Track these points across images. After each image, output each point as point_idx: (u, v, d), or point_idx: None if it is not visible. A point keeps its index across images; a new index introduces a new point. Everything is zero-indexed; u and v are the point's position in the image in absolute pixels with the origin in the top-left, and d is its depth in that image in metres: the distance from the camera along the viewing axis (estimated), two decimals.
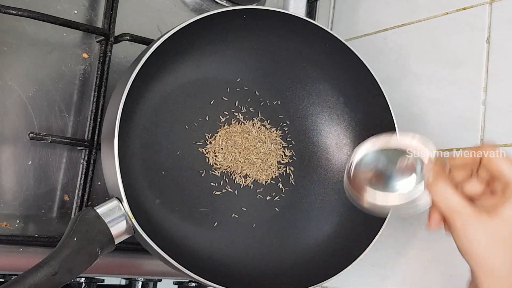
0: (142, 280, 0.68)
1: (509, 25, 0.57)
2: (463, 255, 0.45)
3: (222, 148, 0.59)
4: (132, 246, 0.55)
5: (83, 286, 0.59)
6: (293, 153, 0.63)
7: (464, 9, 0.62)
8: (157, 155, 0.55)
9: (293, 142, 0.63)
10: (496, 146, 0.45)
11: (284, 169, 0.62)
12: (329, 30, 0.59)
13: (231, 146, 0.59)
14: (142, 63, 0.48)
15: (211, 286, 0.49)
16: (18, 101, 0.54)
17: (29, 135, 0.53)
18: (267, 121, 0.62)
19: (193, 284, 0.65)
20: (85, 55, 0.58)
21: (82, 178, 0.56)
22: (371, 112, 0.61)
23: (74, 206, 0.56)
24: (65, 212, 0.56)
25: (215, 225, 0.57)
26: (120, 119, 0.46)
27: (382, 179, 0.46)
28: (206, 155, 0.58)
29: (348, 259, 0.55)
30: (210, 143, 0.59)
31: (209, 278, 0.48)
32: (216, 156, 0.59)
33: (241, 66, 0.61)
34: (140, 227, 0.46)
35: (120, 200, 0.46)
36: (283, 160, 0.62)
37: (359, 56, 0.59)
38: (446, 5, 0.63)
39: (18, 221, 0.53)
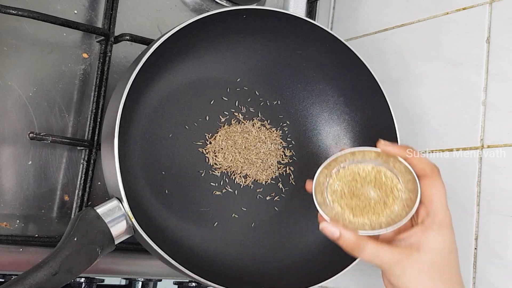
0: (142, 280, 0.68)
1: (509, 25, 0.57)
2: None
3: (222, 148, 0.59)
4: (132, 246, 0.55)
5: (83, 286, 0.59)
6: (293, 153, 0.63)
7: (464, 9, 0.62)
8: (157, 155, 0.55)
9: (293, 142, 0.63)
10: (437, 170, 0.47)
11: (284, 169, 0.62)
12: (329, 30, 0.59)
13: (231, 146, 0.59)
14: (142, 63, 0.48)
15: (211, 286, 0.49)
16: (18, 101, 0.54)
17: (29, 135, 0.53)
18: (267, 121, 0.62)
19: (193, 284, 0.65)
20: (85, 55, 0.58)
21: (82, 178, 0.56)
22: (371, 112, 0.61)
23: (74, 206, 0.56)
24: (65, 212, 0.56)
25: (215, 225, 0.57)
26: (120, 119, 0.46)
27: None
28: (206, 155, 0.58)
29: (348, 259, 0.55)
30: (210, 143, 0.59)
31: (209, 278, 0.48)
32: (216, 156, 0.59)
33: (241, 66, 0.61)
34: (140, 227, 0.46)
35: (120, 200, 0.46)
36: (283, 160, 0.62)
37: (359, 56, 0.59)
38: (446, 5, 0.63)
39: (18, 221, 0.53)
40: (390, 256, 0.45)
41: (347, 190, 0.48)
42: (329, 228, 0.46)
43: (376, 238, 0.48)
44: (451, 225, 0.47)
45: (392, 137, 0.59)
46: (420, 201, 0.47)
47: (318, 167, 0.51)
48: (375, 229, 0.47)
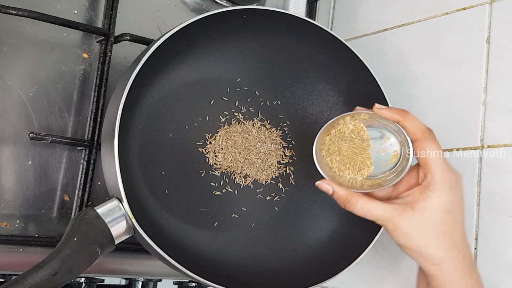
0: (142, 280, 0.68)
1: (509, 25, 0.57)
2: (405, 250, 0.49)
3: (222, 148, 0.59)
4: (132, 246, 0.55)
5: (83, 286, 0.59)
6: (293, 153, 0.63)
7: (464, 9, 0.62)
8: (157, 155, 0.55)
9: (293, 142, 0.63)
10: (428, 132, 0.49)
11: (284, 169, 0.62)
12: (329, 30, 0.59)
13: (231, 146, 0.59)
14: (142, 63, 0.48)
15: (211, 286, 0.50)
16: (18, 101, 0.54)
17: (29, 135, 0.53)
18: (267, 121, 0.62)
19: (193, 284, 0.65)
20: (85, 55, 0.58)
21: (82, 178, 0.56)
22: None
23: (74, 206, 0.56)
24: (65, 212, 0.56)
25: (215, 225, 0.57)
26: (120, 119, 0.46)
27: None
28: (206, 155, 0.58)
29: (348, 259, 0.55)
30: (210, 143, 0.59)
31: (209, 278, 0.48)
32: (216, 156, 0.59)
33: (241, 66, 0.61)
34: (140, 227, 0.46)
35: (120, 200, 0.46)
36: (283, 160, 0.62)
37: (359, 56, 0.59)
38: (446, 5, 0.63)
39: (18, 221, 0.53)
40: (381, 212, 0.48)
41: (335, 147, 0.52)
42: (323, 185, 0.51)
43: (370, 194, 0.51)
44: (451, 187, 0.48)
45: None
46: (418, 164, 0.49)
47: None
48: (353, 185, 0.51)
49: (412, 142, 0.49)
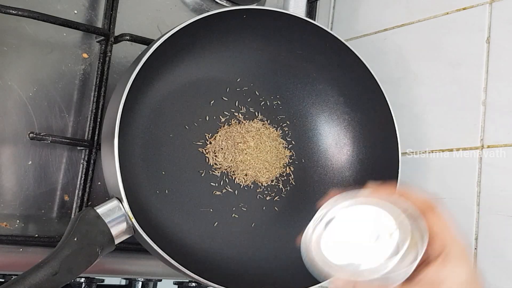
0: (142, 280, 0.68)
1: (509, 25, 0.57)
2: None
3: (222, 148, 0.59)
4: (132, 246, 0.55)
5: (83, 286, 0.59)
6: (293, 153, 0.63)
7: (464, 9, 0.62)
8: (157, 155, 0.55)
9: (293, 142, 0.63)
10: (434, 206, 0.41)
11: (284, 169, 0.62)
12: (329, 30, 0.59)
13: (231, 146, 0.59)
14: (142, 63, 0.48)
15: (211, 286, 0.49)
16: (18, 101, 0.54)
17: (29, 135, 0.53)
18: (267, 121, 0.62)
19: (193, 284, 0.65)
20: (85, 55, 0.58)
21: (82, 178, 0.56)
22: (371, 112, 0.61)
23: (74, 206, 0.56)
24: (65, 212, 0.56)
25: (215, 225, 0.57)
26: (120, 119, 0.46)
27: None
28: (206, 155, 0.58)
29: None
30: (210, 143, 0.59)
31: (209, 278, 0.48)
32: (216, 156, 0.59)
33: (241, 66, 0.61)
34: (140, 227, 0.46)
35: (120, 200, 0.46)
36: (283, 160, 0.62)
37: (359, 56, 0.59)
38: (446, 5, 0.63)
39: (18, 221, 0.53)
40: None
41: None
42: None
43: None
44: (466, 257, 0.43)
45: (392, 137, 0.59)
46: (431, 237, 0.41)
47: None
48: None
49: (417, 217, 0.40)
